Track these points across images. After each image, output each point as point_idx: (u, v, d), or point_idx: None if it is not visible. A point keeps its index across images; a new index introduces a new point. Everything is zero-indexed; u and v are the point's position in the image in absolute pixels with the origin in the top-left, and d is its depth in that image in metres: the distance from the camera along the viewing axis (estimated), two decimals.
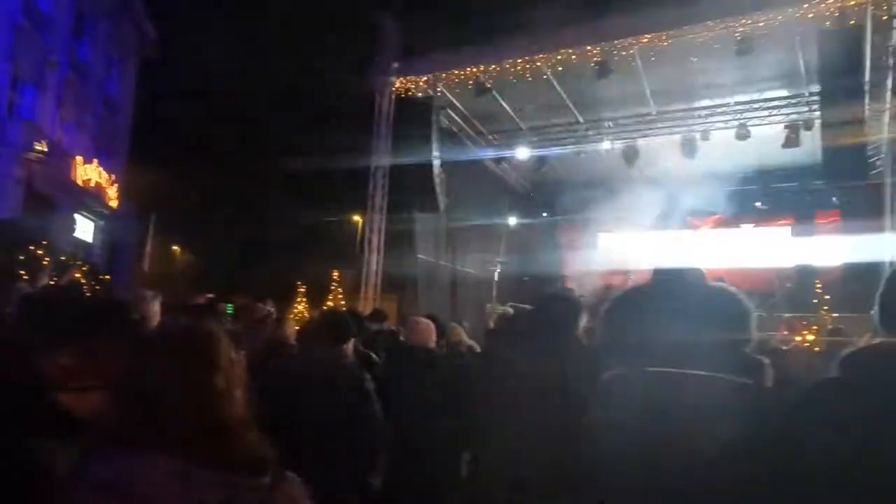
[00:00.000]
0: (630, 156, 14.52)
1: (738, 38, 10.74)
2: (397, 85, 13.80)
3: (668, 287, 1.91)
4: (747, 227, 17.26)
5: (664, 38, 11.32)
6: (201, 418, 1.26)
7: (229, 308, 9.97)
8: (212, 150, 33.74)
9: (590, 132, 15.11)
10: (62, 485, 1.23)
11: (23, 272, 10.08)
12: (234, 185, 30.67)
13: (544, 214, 19.03)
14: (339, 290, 14.85)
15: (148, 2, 24.97)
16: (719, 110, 13.91)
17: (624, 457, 1.67)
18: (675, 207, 15.64)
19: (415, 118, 13.30)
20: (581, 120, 14.94)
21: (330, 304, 13.51)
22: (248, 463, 1.28)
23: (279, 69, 38.90)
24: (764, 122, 13.53)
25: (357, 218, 22.81)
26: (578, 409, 1.91)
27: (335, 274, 15.12)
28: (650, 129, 14.68)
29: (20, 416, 1.33)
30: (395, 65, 13.71)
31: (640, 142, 14.66)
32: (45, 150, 16.04)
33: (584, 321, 2.90)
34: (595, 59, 11.78)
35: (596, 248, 18.11)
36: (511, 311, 8.09)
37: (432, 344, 4.44)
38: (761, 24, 10.56)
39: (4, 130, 15.50)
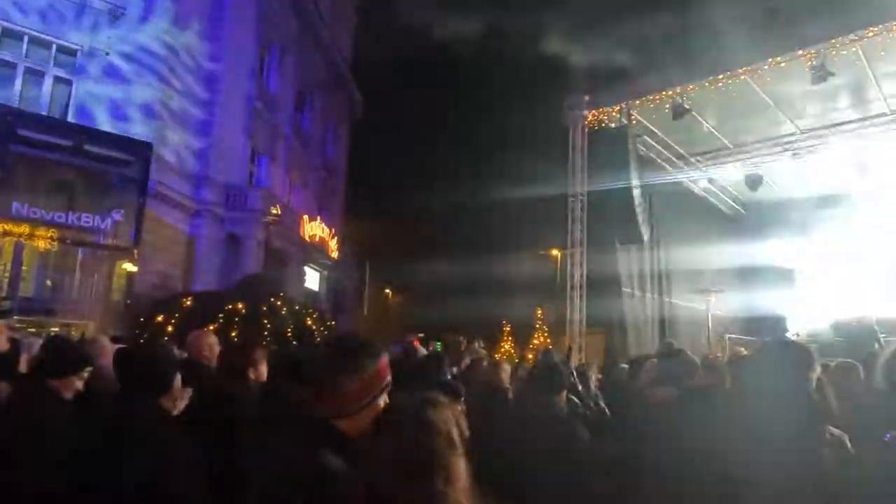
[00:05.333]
0: (863, 164, 12.80)
1: None
2: (589, 117, 13.64)
3: None
4: None
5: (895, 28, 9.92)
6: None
7: (438, 345, 10.47)
8: (416, 199, 36.16)
9: (810, 142, 13.55)
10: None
11: (266, 320, 11.53)
12: (439, 229, 32.36)
13: (766, 239, 17.32)
14: (544, 327, 14.79)
15: (356, 72, 27.82)
16: None
17: None
18: None
19: (610, 148, 12.96)
20: (798, 129, 13.49)
21: (536, 342, 13.52)
22: None
23: (474, 117, 40.84)
24: None
25: (555, 252, 22.74)
26: None
27: (539, 311, 15.11)
28: (888, 130, 12.81)
29: (312, 438, 1.63)
30: (587, 97, 13.59)
31: (875, 147, 12.89)
32: (279, 212, 18.27)
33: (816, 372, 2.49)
34: (810, 62, 10.63)
35: (827, 273, 15.98)
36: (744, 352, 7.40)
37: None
38: None
39: (247, 198, 17.95)
